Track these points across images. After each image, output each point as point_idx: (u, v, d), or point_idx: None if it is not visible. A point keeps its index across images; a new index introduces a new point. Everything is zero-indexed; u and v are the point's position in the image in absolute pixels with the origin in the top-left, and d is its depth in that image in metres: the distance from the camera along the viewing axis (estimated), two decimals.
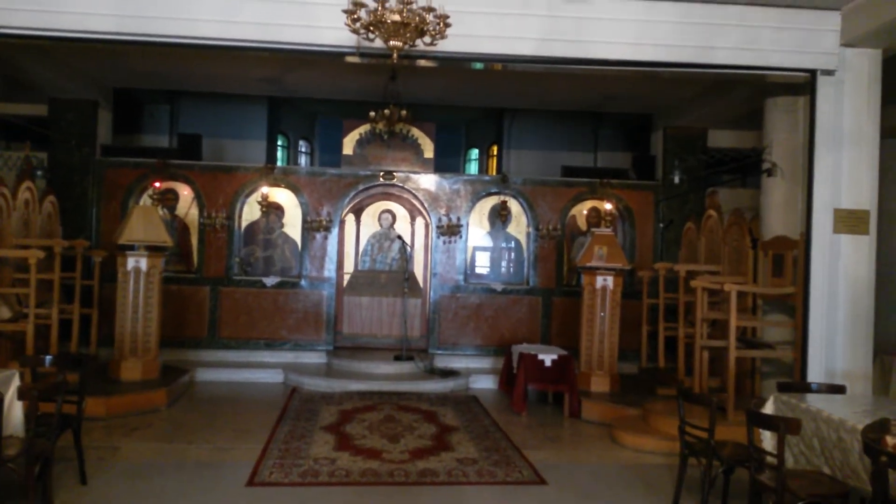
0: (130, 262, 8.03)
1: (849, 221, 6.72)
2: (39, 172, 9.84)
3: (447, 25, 4.60)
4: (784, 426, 4.06)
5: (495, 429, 7.32)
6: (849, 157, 6.78)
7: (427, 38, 4.60)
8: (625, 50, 6.69)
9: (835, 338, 6.77)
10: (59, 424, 4.68)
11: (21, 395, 4.46)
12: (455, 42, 5.80)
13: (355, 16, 4.59)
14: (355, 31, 4.66)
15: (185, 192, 10.52)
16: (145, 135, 11.68)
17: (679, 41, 6.68)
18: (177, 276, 10.25)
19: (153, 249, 8.15)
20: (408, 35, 4.41)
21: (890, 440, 3.58)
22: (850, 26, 6.58)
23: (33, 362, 5.54)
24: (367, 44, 4.95)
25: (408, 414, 7.74)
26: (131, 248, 8.05)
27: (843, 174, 6.78)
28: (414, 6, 4.54)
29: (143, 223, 8.08)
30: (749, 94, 8.50)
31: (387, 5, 4.45)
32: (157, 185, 9.92)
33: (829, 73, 6.74)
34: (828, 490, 4.10)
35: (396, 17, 4.33)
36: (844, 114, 6.77)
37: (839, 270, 6.77)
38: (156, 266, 8.16)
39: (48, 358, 5.54)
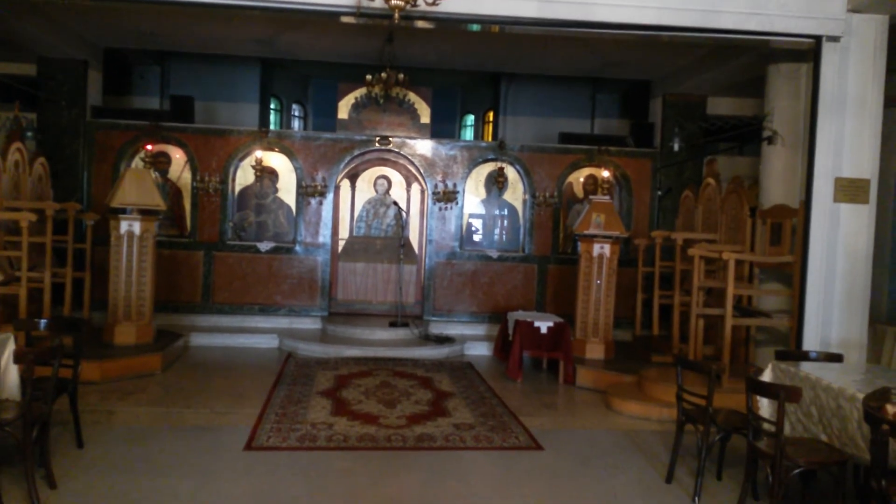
0: (123, 226, 7.93)
1: (849, 190, 6.68)
2: (30, 133, 9.65)
3: None
4: (784, 394, 4.07)
5: (491, 395, 7.34)
6: (851, 125, 6.72)
7: None
8: (628, 13, 6.55)
9: (831, 307, 6.78)
10: (55, 388, 4.65)
11: (17, 358, 4.41)
12: (456, 2, 5.67)
13: None
14: None
15: (177, 156, 10.36)
16: (136, 96, 11.45)
17: (684, 4, 6.55)
18: (170, 240, 10.15)
19: (146, 213, 8.03)
20: None
21: (890, 409, 3.59)
22: None
23: (27, 326, 5.49)
24: (367, 3, 4.81)
25: (403, 380, 7.75)
26: (124, 211, 7.93)
27: (846, 142, 6.72)
28: None
29: (136, 186, 7.96)
30: (750, 60, 8.37)
31: None
32: (149, 147, 9.78)
33: (834, 39, 6.64)
34: (825, 458, 4.13)
35: None
36: (849, 81, 6.69)
37: (838, 239, 6.75)
38: (149, 230, 8.06)
39: (43, 322, 5.50)
